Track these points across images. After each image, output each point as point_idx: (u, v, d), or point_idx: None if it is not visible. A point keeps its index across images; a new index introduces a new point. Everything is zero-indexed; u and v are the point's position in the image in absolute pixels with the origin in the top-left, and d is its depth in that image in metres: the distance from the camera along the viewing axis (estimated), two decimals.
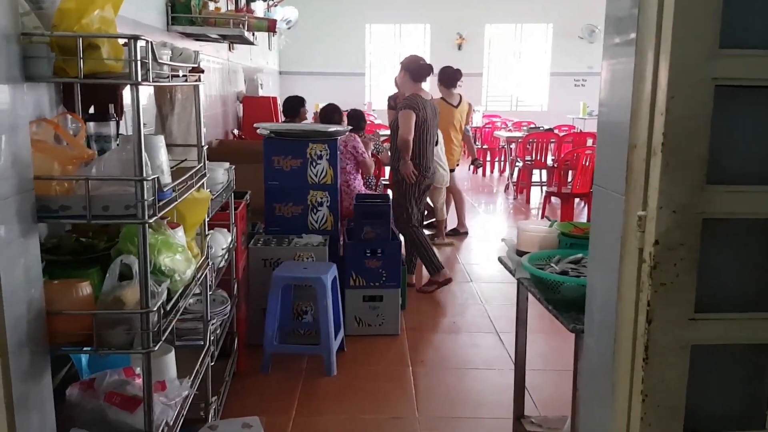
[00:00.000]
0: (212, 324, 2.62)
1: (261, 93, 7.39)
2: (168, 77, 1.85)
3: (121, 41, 1.60)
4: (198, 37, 4.35)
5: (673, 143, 1.30)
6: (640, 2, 1.36)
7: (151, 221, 1.61)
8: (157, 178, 1.66)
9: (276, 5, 8.32)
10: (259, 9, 6.98)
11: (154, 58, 1.63)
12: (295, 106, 5.72)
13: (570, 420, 2.11)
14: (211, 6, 4.21)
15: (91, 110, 2.16)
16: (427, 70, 4.52)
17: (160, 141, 1.83)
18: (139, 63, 1.52)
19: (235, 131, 6.43)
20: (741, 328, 1.38)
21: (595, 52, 13.50)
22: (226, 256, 2.92)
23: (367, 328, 3.80)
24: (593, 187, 1.62)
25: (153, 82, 1.64)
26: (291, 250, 3.65)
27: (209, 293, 2.51)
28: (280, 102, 6.73)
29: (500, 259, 2.44)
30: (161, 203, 1.70)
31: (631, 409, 1.45)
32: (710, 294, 1.38)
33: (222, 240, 2.91)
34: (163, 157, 1.85)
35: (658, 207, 1.33)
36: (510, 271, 2.31)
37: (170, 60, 1.92)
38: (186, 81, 2.06)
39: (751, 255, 1.39)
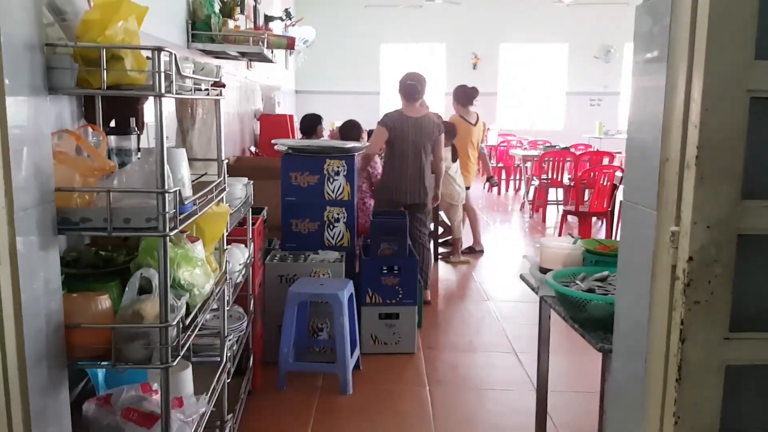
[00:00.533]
0: (229, 340, 2.59)
1: (278, 111, 7.42)
2: (191, 90, 1.85)
3: (145, 53, 1.60)
4: (217, 55, 4.38)
5: (708, 157, 1.27)
6: (672, 16, 1.33)
7: (171, 234, 1.59)
8: (179, 190, 1.64)
9: (294, 25, 8.39)
10: (277, 28, 7.04)
11: (178, 71, 1.62)
12: (312, 124, 5.73)
13: None
14: (231, 24, 4.23)
15: (112, 124, 2.16)
16: (412, 88, 4.41)
17: (182, 154, 1.82)
18: (162, 75, 1.51)
19: (252, 148, 6.45)
20: None
21: (611, 72, 13.51)
22: (243, 272, 2.90)
23: (383, 347, 3.75)
24: (623, 203, 1.59)
25: (176, 94, 1.63)
26: (307, 266, 3.63)
27: (227, 309, 2.49)
28: (296, 120, 6.76)
29: (522, 277, 2.40)
30: (182, 216, 1.68)
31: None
32: (745, 312, 1.33)
33: (239, 255, 2.89)
34: (185, 170, 1.85)
35: (693, 222, 1.29)
36: (533, 289, 2.26)
37: (192, 74, 1.92)
38: (208, 95, 2.05)
39: None
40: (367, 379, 3.44)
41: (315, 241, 3.88)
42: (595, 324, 1.81)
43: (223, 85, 2.27)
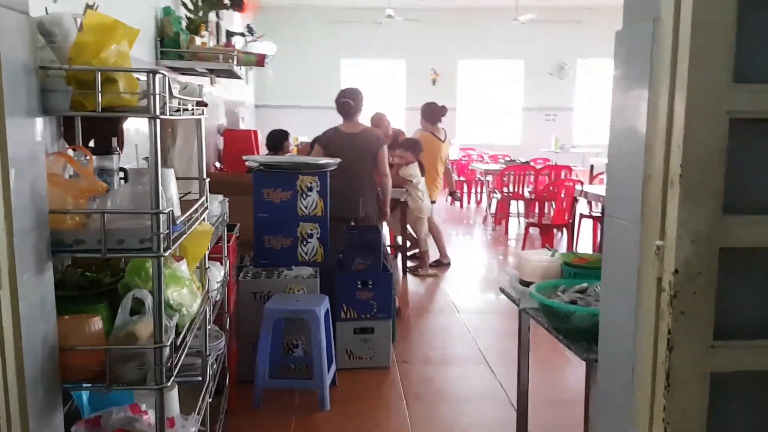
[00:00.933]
0: (209, 359, 2.57)
1: (242, 126, 7.39)
2: (179, 111, 1.85)
3: (138, 75, 1.60)
4: (184, 72, 4.35)
5: (691, 175, 1.34)
6: (654, 40, 1.41)
7: (166, 254, 1.59)
8: (171, 211, 1.64)
9: (256, 40, 8.39)
10: (238, 44, 7.02)
11: (170, 92, 1.63)
12: (279, 139, 5.74)
13: None
14: (198, 41, 4.22)
15: (91, 144, 2.14)
16: (345, 105, 4.41)
17: (171, 174, 1.83)
18: (158, 97, 1.52)
19: (217, 164, 6.40)
20: (760, 355, 1.40)
21: (565, 88, 13.88)
22: (220, 290, 2.88)
23: (359, 361, 3.77)
24: (605, 217, 1.66)
25: (170, 115, 1.63)
26: (282, 282, 3.62)
27: (208, 328, 2.47)
28: (260, 135, 6.74)
29: (502, 290, 2.46)
30: (174, 236, 1.68)
31: None
32: (729, 322, 1.41)
33: (216, 273, 2.88)
34: (173, 189, 1.85)
35: (677, 237, 1.36)
36: (513, 301, 2.32)
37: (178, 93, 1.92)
38: (193, 114, 2.06)
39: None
40: (344, 394, 3.45)
41: (288, 257, 3.88)
42: (579, 335, 1.87)
43: (206, 104, 2.28)
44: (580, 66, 13.90)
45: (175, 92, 1.88)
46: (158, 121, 1.53)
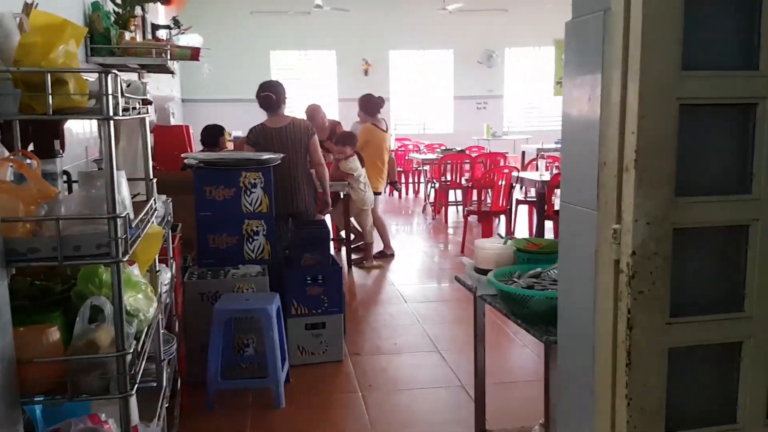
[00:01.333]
0: (163, 364, 2.51)
1: (172, 122, 7.17)
2: (128, 110, 1.79)
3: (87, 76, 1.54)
4: (115, 68, 4.19)
5: (645, 160, 1.41)
6: (605, 30, 1.46)
7: (125, 260, 1.54)
8: (128, 214, 1.59)
9: (182, 33, 8.15)
10: (164, 37, 6.80)
11: (122, 92, 1.57)
12: (214, 135, 5.61)
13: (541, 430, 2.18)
14: (127, 36, 4.07)
15: (30, 147, 2.05)
16: (267, 99, 4.36)
17: (123, 176, 1.76)
18: (110, 97, 1.46)
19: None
20: (712, 330, 1.49)
21: (495, 76, 14.15)
22: (169, 293, 2.82)
23: (311, 357, 3.76)
24: (561, 204, 1.71)
25: (122, 116, 1.58)
26: (229, 282, 3.56)
27: (161, 332, 2.41)
28: (192, 130, 6.56)
29: (458, 278, 2.50)
30: (130, 240, 1.63)
31: (616, 414, 1.53)
32: (684, 299, 1.49)
33: (164, 276, 2.80)
34: (125, 192, 1.78)
35: (634, 220, 1.43)
36: (469, 289, 2.37)
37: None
38: (140, 113, 1.99)
39: (719, 260, 1.52)
40: (298, 390, 3.43)
41: (234, 255, 3.81)
42: (537, 318, 1.93)
43: (151, 102, 2.20)
44: (507, 54, 14.20)
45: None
46: (112, 122, 1.47)
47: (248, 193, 3.79)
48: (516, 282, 2.08)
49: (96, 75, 1.46)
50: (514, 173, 6.53)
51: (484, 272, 2.29)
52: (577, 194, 1.65)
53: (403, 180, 10.68)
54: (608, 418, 1.55)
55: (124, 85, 1.84)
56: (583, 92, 1.59)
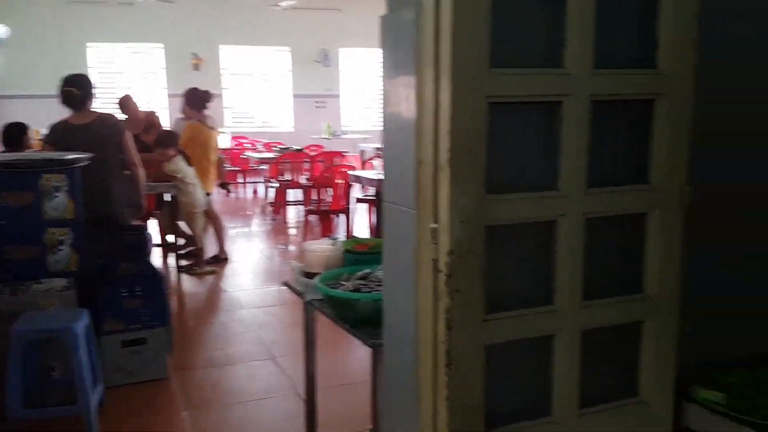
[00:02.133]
0: None
1: None
2: None
3: None
4: None
5: (458, 159, 1.38)
6: (417, 26, 1.42)
7: None
8: None
9: None
10: None
11: None
12: (17, 134, 4.99)
13: None
14: None
15: None
16: (68, 94, 3.91)
17: None
18: None
19: None
20: (526, 325, 1.50)
21: (332, 75, 14.20)
22: None
23: (130, 376, 3.43)
24: (383, 204, 1.65)
25: None
26: (30, 299, 3.15)
27: None
28: None
29: (287, 284, 2.38)
30: None
31: (437, 414, 1.49)
32: (501, 296, 1.48)
33: None
34: None
35: (450, 219, 1.39)
36: (299, 294, 2.26)
37: None
38: None
39: (532, 256, 1.54)
40: (115, 415, 3.12)
41: (36, 268, 3.38)
42: (364, 321, 1.87)
43: None
44: (342, 53, 14.31)
45: None
46: None
47: (50, 197, 3.37)
48: (344, 285, 2.00)
49: None
50: (353, 172, 6.53)
51: (314, 276, 2.19)
52: (398, 194, 1.60)
53: (240, 180, 10.35)
54: (430, 419, 1.52)
55: None
56: (399, 90, 1.55)
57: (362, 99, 14.68)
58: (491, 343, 1.49)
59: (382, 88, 1.63)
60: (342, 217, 6.87)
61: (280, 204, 8.23)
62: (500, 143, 1.43)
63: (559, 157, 1.50)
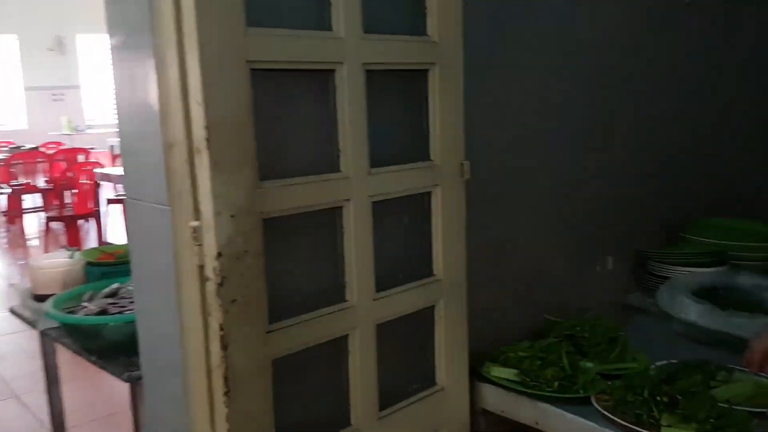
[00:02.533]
0: None
1: None
2: None
3: None
4: None
5: (219, 137, 1.12)
6: None
7: None
8: None
9: None
10: None
11: None
12: None
13: None
14: None
15: None
16: None
17: None
18: None
19: None
20: (317, 328, 1.30)
21: (69, 64, 12.68)
22: None
23: None
24: (125, 201, 1.33)
25: None
26: None
27: None
28: None
29: (13, 311, 1.90)
30: None
31: None
32: (287, 300, 1.26)
33: None
34: None
35: (215, 213, 1.13)
36: (30, 324, 1.81)
37: None
38: None
39: (319, 249, 1.33)
40: None
41: None
42: (116, 350, 1.51)
43: None
44: (80, 41, 12.85)
45: None
46: None
47: None
48: (86, 307, 1.62)
49: None
50: (100, 170, 5.80)
51: (47, 298, 1.75)
52: (143, 187, 1.30)
53: None
54: None
55: None
56: (133, 68, 1.25)
57: (108, 90, 13.33)
58: (279, 357, 1.26)
59: (113, 71, 1.31)
60: (93, 222, 6.08)
61: (15, 212, 7.08)
62: (272, 120, 1.21)
63: (337, 135, 1.32)
